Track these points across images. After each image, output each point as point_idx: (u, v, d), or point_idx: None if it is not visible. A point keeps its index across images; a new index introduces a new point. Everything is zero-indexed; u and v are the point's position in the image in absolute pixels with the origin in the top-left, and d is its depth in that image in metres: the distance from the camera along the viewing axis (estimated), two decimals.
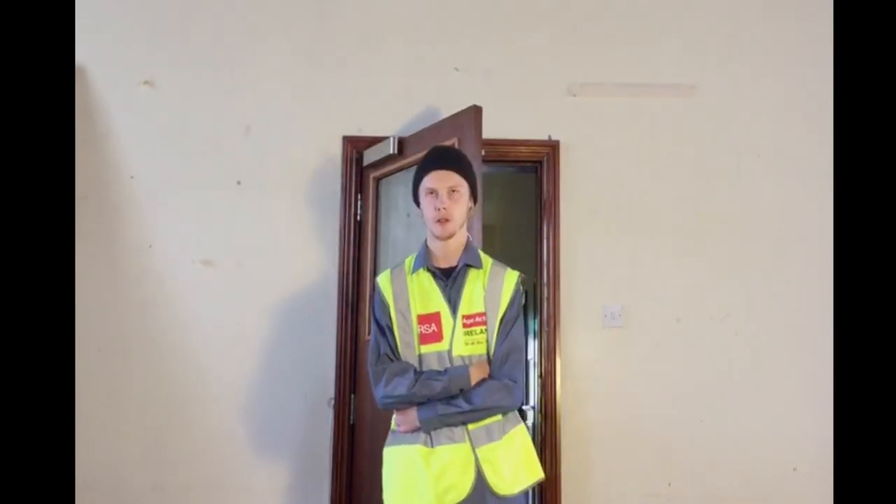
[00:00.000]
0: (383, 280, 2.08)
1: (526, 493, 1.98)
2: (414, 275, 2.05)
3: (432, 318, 1.98)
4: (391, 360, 2.00)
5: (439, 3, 3.16)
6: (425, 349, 1.97)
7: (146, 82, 3.07)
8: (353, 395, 2.92)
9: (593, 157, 3.06)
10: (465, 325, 1.96)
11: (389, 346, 2.01)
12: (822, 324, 2.91)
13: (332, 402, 2.92)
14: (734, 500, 2.90)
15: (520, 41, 3.13)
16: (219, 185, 3.02)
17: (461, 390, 1.92)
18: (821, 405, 2.88)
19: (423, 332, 1.97)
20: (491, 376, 1.95)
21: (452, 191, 2.02)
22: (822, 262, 2.95)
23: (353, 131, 3.06)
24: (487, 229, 2.90)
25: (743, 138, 3.09)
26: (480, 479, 1.88)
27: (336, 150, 3.05)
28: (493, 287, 2.00)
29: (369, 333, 2.90)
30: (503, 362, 1.96)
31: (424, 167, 2.08)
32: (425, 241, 2.09)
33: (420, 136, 2.90)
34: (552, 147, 3.04)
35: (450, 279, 2.02)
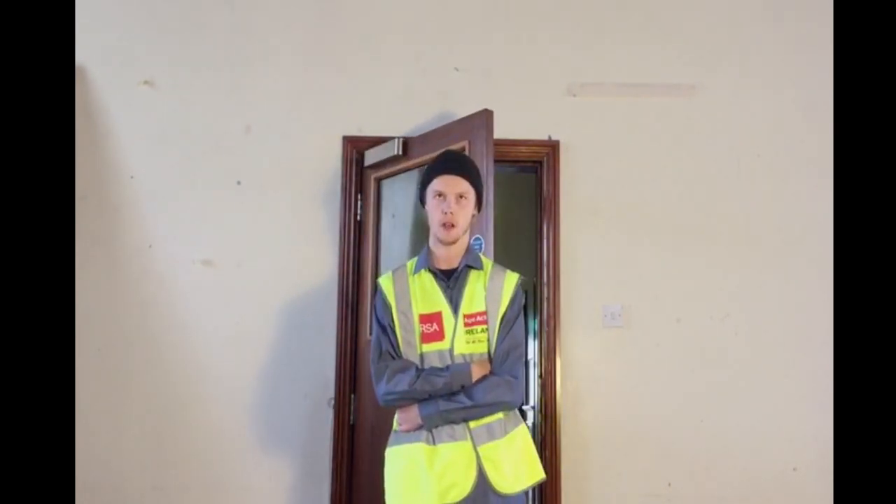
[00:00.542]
0: (385, 281, 2.11)
1: (525, 492, 1.99)
2: (416, 275, 2.08)
3: (434, 318, 2.00)
4: (392, 358, 2.02)
5: (439, 3, 3.16)
6: (427, 348, 1.99)
7: (146, 82, 3.07)
8: (353, 395, 2.92)
9: (593, 157, 3.06)
10: (466, 324, 1.99)
11: (391, 344, 2.03)
12: (822, 324, 2.91)
13: (332, 402, 2.92)
14: (734, 500, 2.90)
15: (520, 41, 3.13)
16: (219, 185, 3.02)
17: (462, 387, 1.93)
18: (821, 405, 2.88)
19: (425, 331, 1.99)
20: (492, 373, 1.97)
21: (460, 196, 2.05)
22: (822, 262, 2.95)
23: (354, 131, 3.06)
24: None
25: (743, 138, 3.09)
26: (482, 477, 1.89)
27: (336, 150, 3.05)
28: (493, 287, 2.04)
29: (371, 333, 2.91)
30: (504, 359, 1.99)
31: (435, 169, 2.11)
32: (427, 244, 2.12)
33: (426, 137, 2.91)
34: (552, 147, 3.04)
35: (451, 279, 2.05)
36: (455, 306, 2.01)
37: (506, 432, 1.96)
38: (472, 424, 1.94)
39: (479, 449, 1.91)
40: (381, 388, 1.99)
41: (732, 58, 3.14)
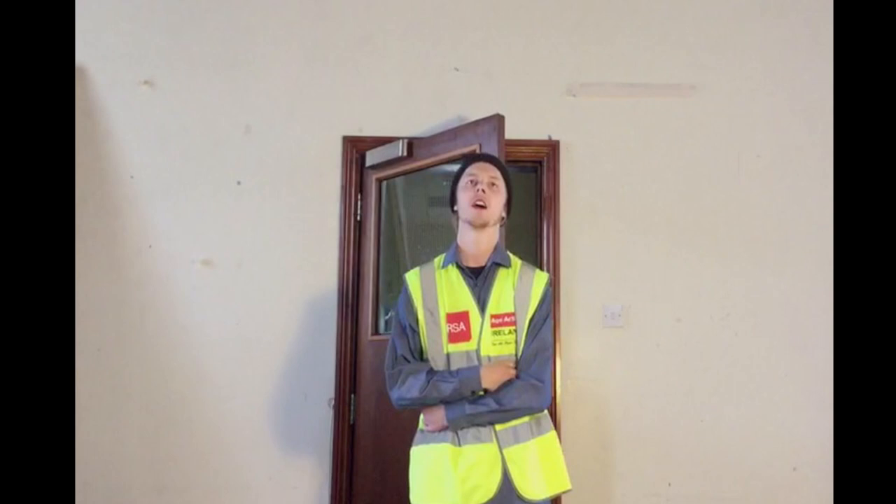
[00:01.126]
0: (412, 277, 2.07)
1: (550, 501, 1.94)
2: (443, 270, 2.04)
3: (461, 317, 1.96)
4: (407, 362, 1.99)
5: (439, 3, 3.16)
6: (453, 348, 1.95)
7: (146, 82, 3.07)
8: (353, 395, 2.92)
9: (593, 157, 3.06)
10: (493, 325, 1.95)
11: (409, 347, 2.00)
12: (822, 324, 2.91)
13: (332, 402, 2.92)
14: (734, 500, 2.90)
15: (520, 41, 3.13)
16: (219, 185, 3.02)
17: (473, 392, 1.90)
18: (821, 405, 2.88)
19: (452, 330, 1.95)
20: (518, 376, 1.94)
21: (492, 184, 2.03)
22: (822, 262, 2.95)
23: (353, 131, 3.06)
24: None
25: (743, 138, 3.09)
26: (507, 480, 1.86)
27: (336, 150, 3.05)
28: (522, 287, 2.00)
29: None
30: (531, 362, 1.95)
31: (467, 162, 2.11)
32: (455, 240, 2.09)
33: (432, 139, 2.91)
34: (552, 147, 3.04)
35: (479, 278, 2.00)
36: (482, 305, 1.97)
37: (532, 436, 1.92)
38: (499, 427, 1.90)
39: (504, 451, 1.89)
40: (394, 394, 1.98)
41: (732, 58, 3.14)
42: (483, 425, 1.90)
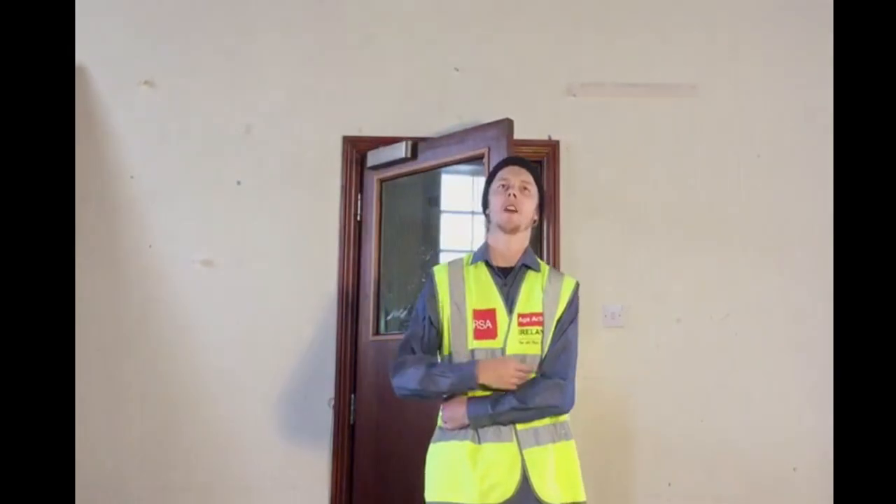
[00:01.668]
0: (440, 270, 2.07)
1: None
2: (471, 267, 2.04)
3: (488, 315, 1.96)
4: (413, 352, 1.99)
5: (439, 3, 3.16)
6: (478, 344, 1.94)
7: (146, 82, 3.07)
8: (353, 395, 2.92)
9: (593, 158, 3.06)
10: (520, 324, 1.95)
11: (420, 337, 2.00)
12: (822, 324, 2.91)
13: (332, 402, 2.92)
14: (734, 500, 2.90)
15: (520, 41, 3.13)
16: (219, 185, 3.02)
17: (508, 391, 1.89)
18: (821, 405, 2.88)
19: (478, 327, 1.95)
20: (542, 375, 1.94)
21: (524, 187, 2.04)
22: (822, 262, 2.95)
23: (353, 131, 3.06)
24: None
25: (743, 138, 3.09)
26: (525, 481, 1.86)
27: (336, 150, 3.05)
28: (551, 290, 2.01)
29: (382, 331, 2.91)
30: (555, 362, 1.95)
31: (500, 165, 2.13)
32: (486, 239, 2.10)
33: (438, 142, 2.92)
34: (552, 147, 3.04)
35: (508, 277, 2.01)
36: (510, 305, 1.97)
37: (552, 440, 1.92)
38: (519, 427, 1.90)
39: (524, 452, 1.88)
40: (395, 382, 1.98)
41: (732, 58, 3.14)
42: (504, 424, 1.90)
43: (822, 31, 3.07)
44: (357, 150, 3.04)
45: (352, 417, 2.91)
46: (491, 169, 2.19)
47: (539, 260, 2.09)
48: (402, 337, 2.07)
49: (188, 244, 2.98)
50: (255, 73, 3.09)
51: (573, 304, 2.02)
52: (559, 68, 3.11)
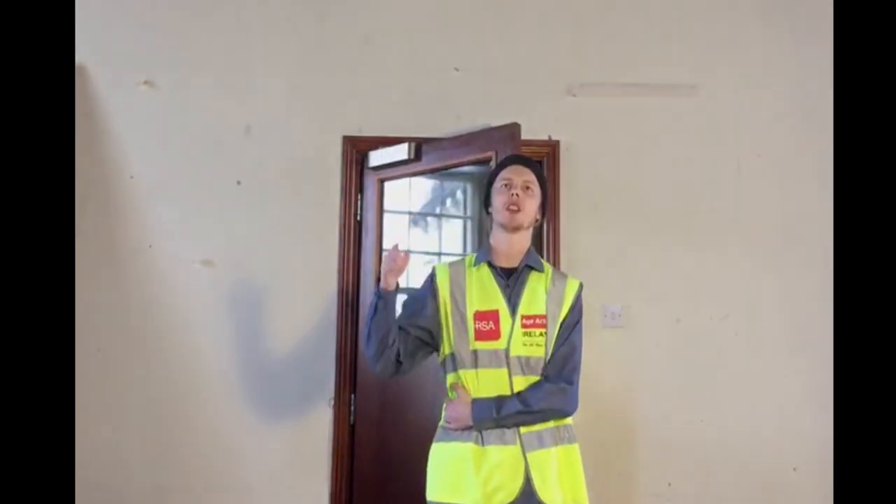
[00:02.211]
0: (441, 270, 2.07)
1: None
2: (474, 268, 2.04)
3: (490, 316, 1.96)
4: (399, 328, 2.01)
5: (439, 3, 3.16)
6: (480, 345, 1.94)
7: (146, 82, 3.07)
8: (353, 395, 2.92)
9: (593, 158, 3.06)
10: (524, 326, 1.95)
11: (405, 315, 2.02)
12: (822, 324, 2.91)
13: (332, 402, 2.92)
14: (734, 500, 2.90)
15: (520, 41, 3.13)
16: (219, 185, 3.02)
17: (517, 393, 1.91)
18: (821, 405, 2.88)
19: (481, 328, 1.95)
20: (546, 378, 1.94)
21: (527, 186, 2.04)
22: (822, 262, 2.94)
23: (353, 131, 3.06)
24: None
25: (743, 138, 3.09)
26: (529, 484, 1.86)
27: (336, 150, 3.05)
28: (555, 291, 2.01)
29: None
30: (561, 366, 1.95)
31: (503, 164, 2.13)
32: (488, 239, 2.10)
33: (442, 144, 2.91)
34: (552, 147, 3.04)
35: (511, 278, 2.01)
36: (513, 306, 1.97)
37: (556, 443, 1.92)
38: (523, 430, 1.90)
39: (527, 455, 1.88)
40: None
41: (732, 58, 3.14)
42: (509, 427, 1.90)
43: (822, 30, 3.07)
44: (357, 150, 3.04)
45: (352, 417, 2.91)
46: (500, 162, 2.19)
47: (542, 260, 2.09)
48: None
49: (188, 244, 2.98)
50: (255, 73, 3.09)
51: (577, 305, 2.02)
52: (559, 68, 3.11)
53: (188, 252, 2.98)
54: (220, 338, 2.93)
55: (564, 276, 2.09)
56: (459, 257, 2.12)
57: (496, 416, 1.89)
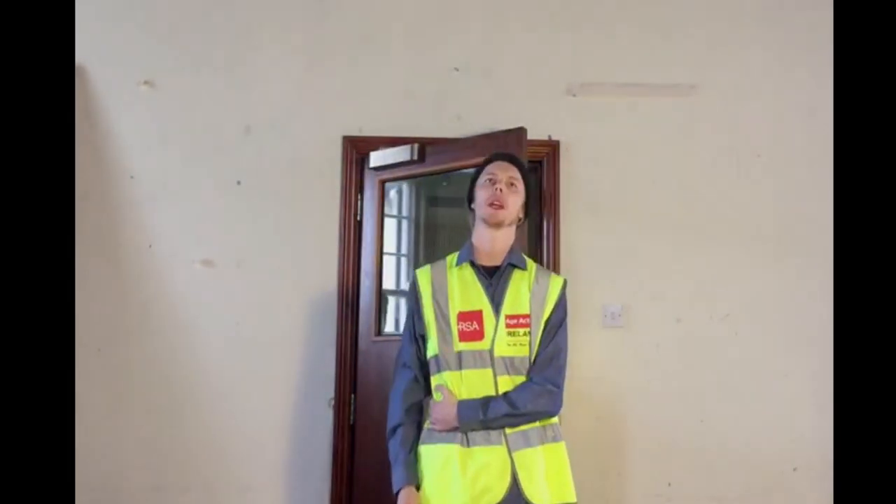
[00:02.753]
0: (422, 274, 2.04)
1: None
2: (456, 268, 2.02)
3: (474, 316, 1.94)
4: (410, 370, 2.01)
5: (439, 3, 3.16)
6: (465, 346, 1.92)
7: (146, 82, 3.07)
8: (353, 395, 2.92)
9: (593, 157, 3.06)
10: (508, 326, 1.93)
11: (414, 355, 2.01)
12: (822, 324, 2.91)
13: (332, 402, 2.92)
14: (734, 500, 2.90)
15: (520, 41, 3.13)
16: (219, 185, 3.02)
17: (504, 394, 1.91)
18: (821, 405, 2.88)
19: (464, 329, 1.93)
20: (532, 380, 1.93)
21: (511, 183, 2.02)
22: (822, 262, 2.95)
23: (354, 131, 3.06)
24: None
25: (743, 138, 3.09)
26: (516, 484, 1.85)
27: (336, 150, 3.05)
28: (538, 289, 1.99)
29: (378, 334, 2.91)
30: (546, 366, 1.94)
31: (488, 161, 2.10)
32: (470, 238, 2.07)
33: (446, 146, 2.90)
34: (552, 147, 3.04)
35: (494, 277, 1.99)
36: (497, 306, 1.95)
37: (542, 442, 1.91)
38: (509, 430, 1.89)
39: (514, 455, 1.87)
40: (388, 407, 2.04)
41: (732, 58, 3.14)
42: (494, 428, 1.89)
43: (822, 30, 3.07)
44: (357, 151, 3.04)
45: (352, 417, 2.91)
46: (486, 159, 2.15)
47: (526, 257, 2.07)
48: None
49: (188, 244, 2.98)
50: (255, 73, 3.09)
51: (561, 303, 2.00)
52: (559, 68, 3.11)
53: (188, 252, 2.98)
54: (220, 338, 2.93)
55: (548, 273, 2.07)
56: (440, 260, 2.09)
57: (483, 418, 1.87)
